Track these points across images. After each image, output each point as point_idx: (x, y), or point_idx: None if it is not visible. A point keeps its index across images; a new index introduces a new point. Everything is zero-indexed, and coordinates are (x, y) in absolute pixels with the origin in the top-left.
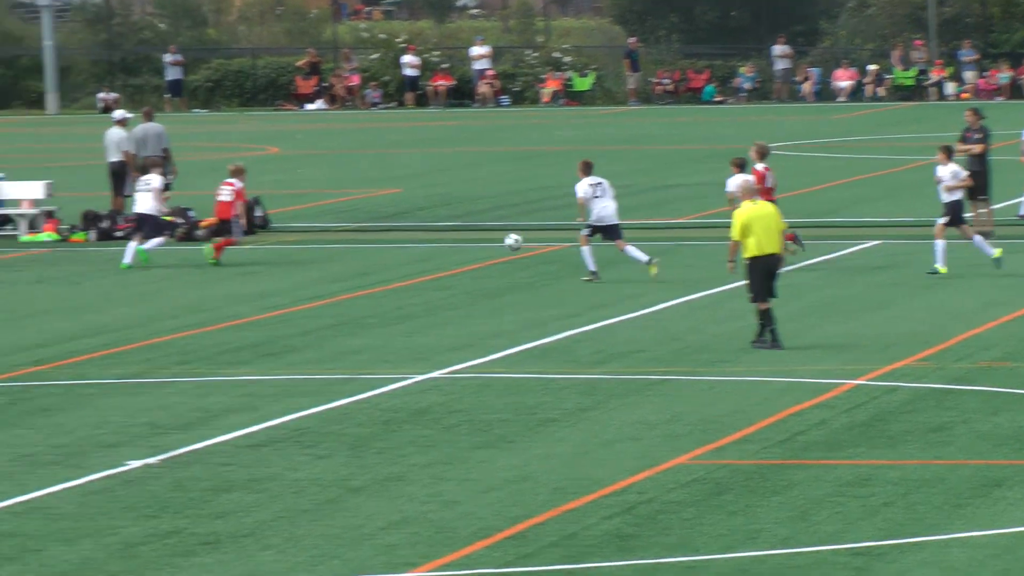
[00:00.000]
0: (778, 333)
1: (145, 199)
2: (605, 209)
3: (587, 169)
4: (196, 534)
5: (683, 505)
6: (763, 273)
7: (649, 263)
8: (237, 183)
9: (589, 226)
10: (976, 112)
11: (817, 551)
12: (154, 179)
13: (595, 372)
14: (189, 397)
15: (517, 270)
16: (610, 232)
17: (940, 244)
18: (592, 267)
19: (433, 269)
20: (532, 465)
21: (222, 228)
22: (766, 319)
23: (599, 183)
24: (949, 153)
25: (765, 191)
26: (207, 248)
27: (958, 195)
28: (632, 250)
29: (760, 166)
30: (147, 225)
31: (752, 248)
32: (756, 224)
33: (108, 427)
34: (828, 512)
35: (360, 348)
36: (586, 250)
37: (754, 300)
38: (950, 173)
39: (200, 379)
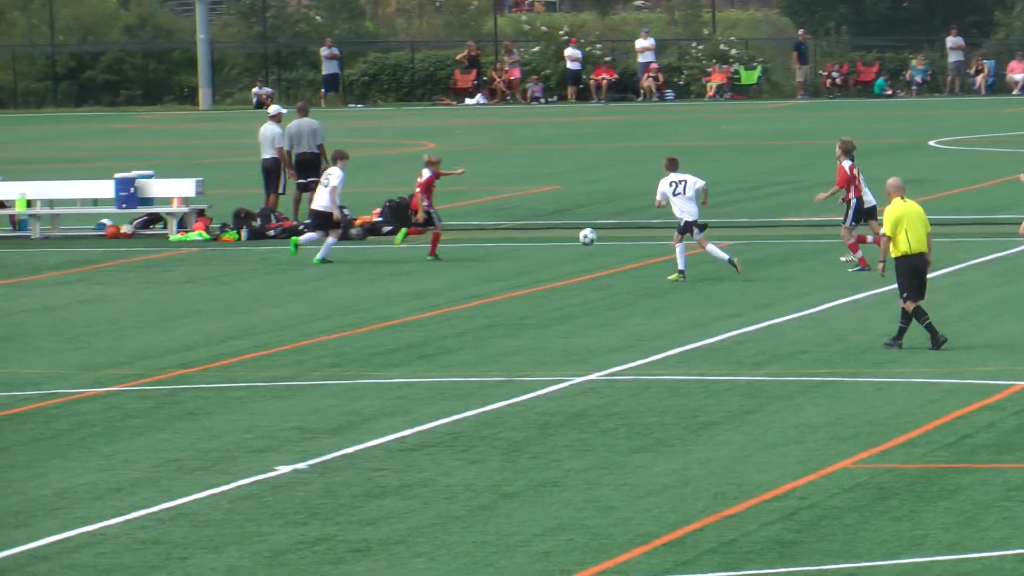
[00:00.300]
0: (934, 329)
1: (322, 195)
2: (683, 209)
3: (672, 166)
4: (346, 541)
5: (846, 511)
6: (911, 272)
7: (731, 262)
8: (426, 173)
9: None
10: None
11: (984, 557)
12: (334, 174)
13: (758, 373)
14: (341, 400)
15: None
16: (686, 230)
17: None
18: (682, 266)
19: (593, 268)
20: (692, 469)
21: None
22: (906, 320)
23: (682, 180)
24: None
25: (854, 189)
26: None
27: None
28: (713, 248)
29: (846, 163)
30: (317, 221)
31: (901, 246)
32: (906, 221)
33: (257, 431)
34: (996, 517)
35: (516, 349)
36: (679, 248)
37: (904, 299)
38: None
39: (352, 381)
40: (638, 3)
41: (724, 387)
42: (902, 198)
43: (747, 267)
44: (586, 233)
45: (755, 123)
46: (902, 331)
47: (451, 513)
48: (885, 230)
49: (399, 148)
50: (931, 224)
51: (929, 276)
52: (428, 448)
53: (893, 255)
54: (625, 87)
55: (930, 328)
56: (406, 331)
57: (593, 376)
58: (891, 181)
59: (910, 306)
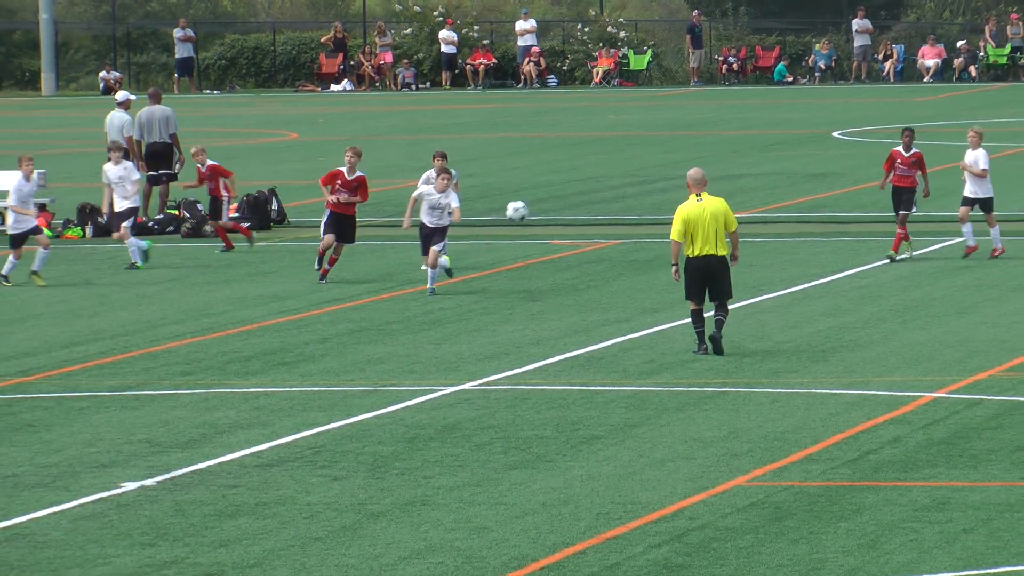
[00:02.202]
0: (703, 337)
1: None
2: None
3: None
4: (198, 564)
5: (740, 532)
6: (696, 274)
7: (447, 270)
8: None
9: None
10: None
11: None
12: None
13: (645, 383)
14: (193, 411)
15: (559, 270)
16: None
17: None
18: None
19: (467, 269)
20: (573, 487)
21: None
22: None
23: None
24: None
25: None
26: None
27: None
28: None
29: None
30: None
31: (687, 248)
32: (695, 224)
33: (101, 445)
34: (902, 540)
35: (383, 357)
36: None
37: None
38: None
39: (205, 391)
40: None
41: (609, 398)
42: (698, 195)
43: (637, 268)
44: (517, 207)
45: (645, 112)
46: (700, 335)
47: (311, 534)
48: (672, 234)
49: (258, 138)
50: (834, 222)
51: (833, 278)
52: (287, 463)
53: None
54: (504, 72)
55: (700, 335)
56: (264, 336)
57: (466, 386)
58: (692, 172)
59: (692, 307)
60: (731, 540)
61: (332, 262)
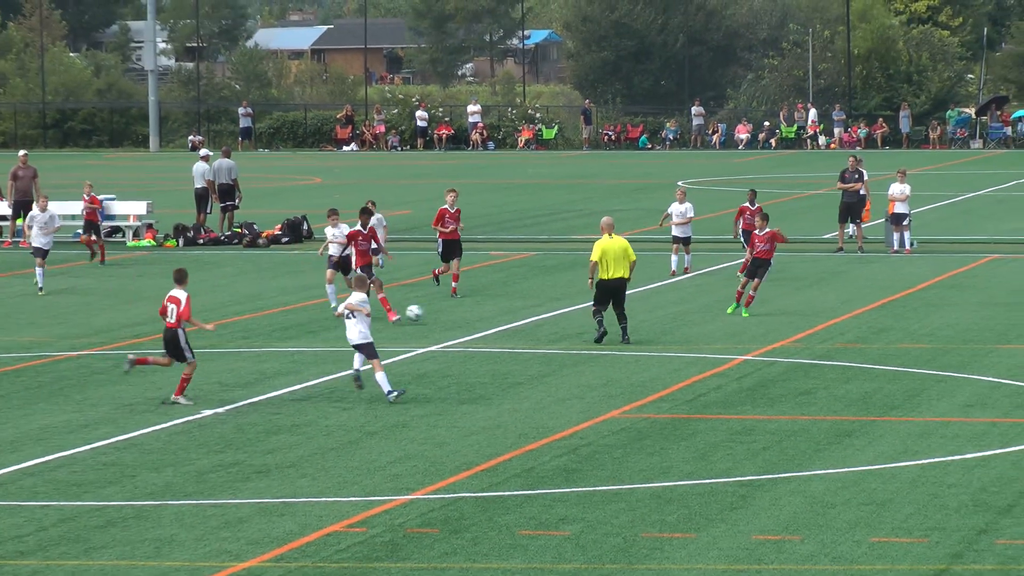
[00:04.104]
0: (603, 324)
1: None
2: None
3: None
4: (252, 465)
5: (614, 447)
6: (605, 291)
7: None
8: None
9: None
10: (856, 158)
11: (713, 483)
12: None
13: (552, 348)
14: (249, 363)
15: (495, 272)
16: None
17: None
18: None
19: (428, 270)
20: (503, 416)
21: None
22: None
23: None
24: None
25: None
26: None
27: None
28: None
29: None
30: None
31: (602, 272)
32: (609, 254)
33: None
34: (723, 453)
35: (378, 329)
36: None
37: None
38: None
39: (258, 350)
40: (470, 79)
41: (527, 357)
42: (610, 235)
43: (546, 271)
44: (412, 309)
45: (553, 167)
46: (600, 323)
47: (328, 446)
48: (592, 256)
49: (294, 181)
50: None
51: (681, 278)
52: (312, 399)
53: (600, 276)
54: (459, 140)
55: (600, 324)
56: (298, 314)
57: (432, 348)
58: (605, 219)
59: (595, 311)
60: (608, 453)
61: (455, 278)
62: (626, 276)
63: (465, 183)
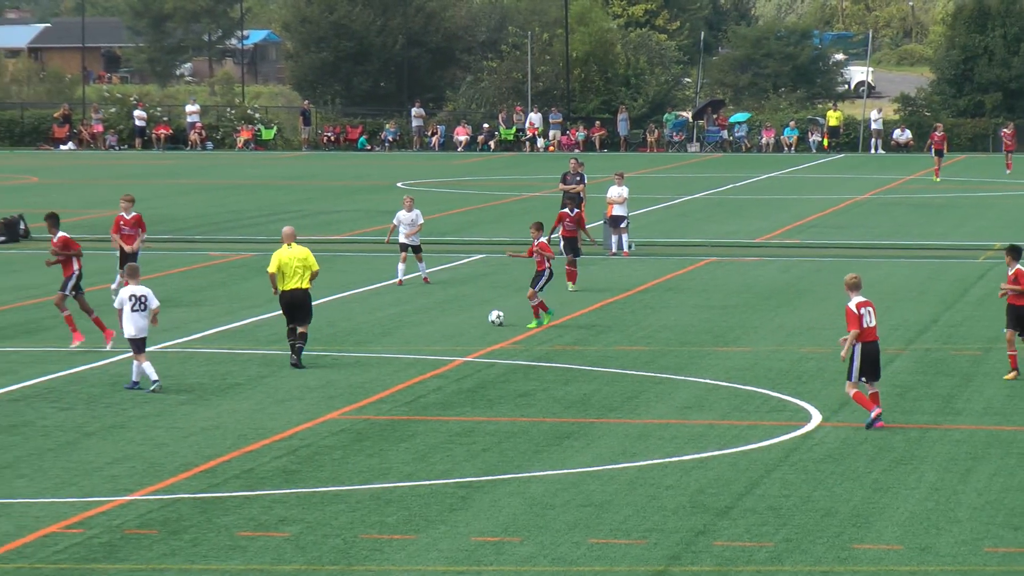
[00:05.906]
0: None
1: None
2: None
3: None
4: None
5: (334, 449)
6: (289, 306)
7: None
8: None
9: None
10: (578, 160)
11: (433, 484)
12: None
13: (271, 349)
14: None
15: (214, 272)
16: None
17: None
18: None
19: (147, 272)
20: (223, 417)
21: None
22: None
23: (142, 296)
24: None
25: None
26: None
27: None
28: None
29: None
30: None
31: (280, 284)
32: (285, 265)
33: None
34: (442, 455)
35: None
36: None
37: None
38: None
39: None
40: (188, 78)
41: (247, 358)
42: (289, 245)
43: (263, 272)
44: (499, 314)
45: (272, 168)
46: (292, 348)
47: (45, 446)
48: (269, 268)
49: (9, 181)
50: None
51: (404, 279)
52: (29, 399)
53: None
54: (178, 139)
55: (292, 347)
56: (16, 315)
57: (151, 349)
58: (285, 229)
59: (289, 330)
60: (328, 454)
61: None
62: (305, 286)
63: (183, 183)
